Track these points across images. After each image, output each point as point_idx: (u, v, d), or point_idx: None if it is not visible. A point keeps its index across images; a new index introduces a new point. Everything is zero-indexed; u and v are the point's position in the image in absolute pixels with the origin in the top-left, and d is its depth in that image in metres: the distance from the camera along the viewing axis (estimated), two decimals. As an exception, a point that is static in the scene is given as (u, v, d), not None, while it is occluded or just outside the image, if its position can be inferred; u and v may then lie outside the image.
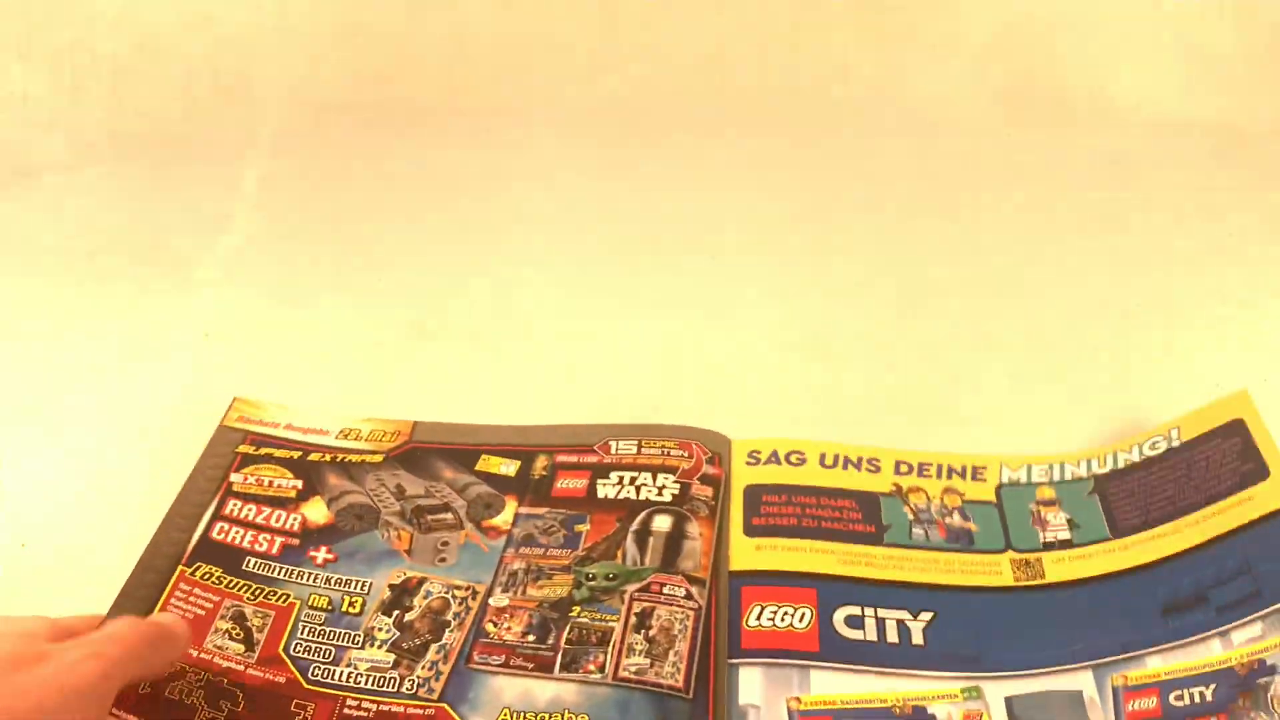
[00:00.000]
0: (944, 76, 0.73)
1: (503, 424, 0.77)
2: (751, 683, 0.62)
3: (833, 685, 0.62)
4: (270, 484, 0.71)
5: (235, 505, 0.69)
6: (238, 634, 0.62)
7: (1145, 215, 0.72)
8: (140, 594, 0.63)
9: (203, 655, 0.60)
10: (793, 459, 0.75)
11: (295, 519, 0.69)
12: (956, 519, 0.71)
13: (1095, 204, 0.80)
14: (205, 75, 0.69)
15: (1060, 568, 0.69)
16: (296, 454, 0.74)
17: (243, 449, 0.73)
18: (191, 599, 0.63)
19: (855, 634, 0.64)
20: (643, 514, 0.70)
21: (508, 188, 0.61)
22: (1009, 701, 0.61)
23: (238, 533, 0.67)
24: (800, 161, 0.76)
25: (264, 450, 0.73)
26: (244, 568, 0.65)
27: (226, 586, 0.64)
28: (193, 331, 0.69)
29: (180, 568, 0.65)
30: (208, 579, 0.64)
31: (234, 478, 0.71)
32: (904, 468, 0.74)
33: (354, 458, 0.74)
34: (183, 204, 0.72)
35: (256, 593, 0.63)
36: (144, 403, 0.67)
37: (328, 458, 0.74)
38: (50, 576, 0.59)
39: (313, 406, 0.77)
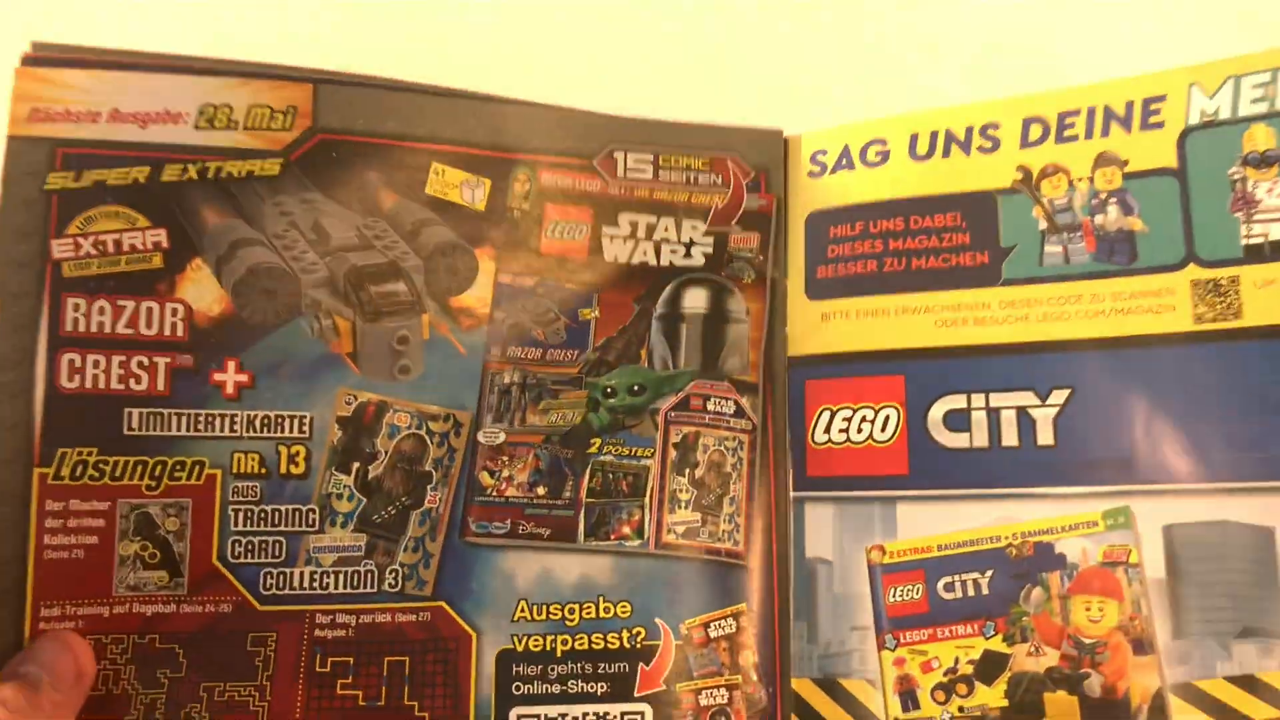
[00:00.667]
0: (944, 76, 0.62)
1: (455, 87, 0.51)
2: (821, 527, 0.49)
3: (925, 522, 0.49)
4: (119, 246, 0.47)
5: (77, 309, 0.46)
6: (151, 555, 0.45)
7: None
8: None
9: (116, 608, 0.44)
10: (872, 155, 0.53)
11: (176, 312, 0.47)
12: (1113, 213, 0.49)
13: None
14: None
15: (1269, 298, 0.45)
16: (144, 172, 0.47)
17: (55, 181, 0.46)
18: (69, 526, 0.45)
19: (957, 440, 0.49)
20: (670, 287, 0.50)
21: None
22: (1168, 534, 0.46)
23: (97, 366, 0.46)
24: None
25: (90, 177, 0.47)
26: (126, 431, 0.46)
27: (112, 476, 0.45)
28: None
29: (35, 473, 0.45)
30: (79, 475, 0.45)
31: (58, 249, 0.46)
32: (1035, 130, 0.51)
33: (235, 168, 0.49)
34: None
35: (156, 472, 0.45)
36: None
37: (194, 171, 0.48)
38: None
39: (147, 60, 0.49)
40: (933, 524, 0.48)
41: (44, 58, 0.47)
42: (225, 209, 0.48)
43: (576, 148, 0.51)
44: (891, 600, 0.48)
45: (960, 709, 0.46)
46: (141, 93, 0.47)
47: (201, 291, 0.47)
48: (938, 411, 0.49)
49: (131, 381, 0.45)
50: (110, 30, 0.56)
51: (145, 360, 0.46)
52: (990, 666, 0.46)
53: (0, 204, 0.45)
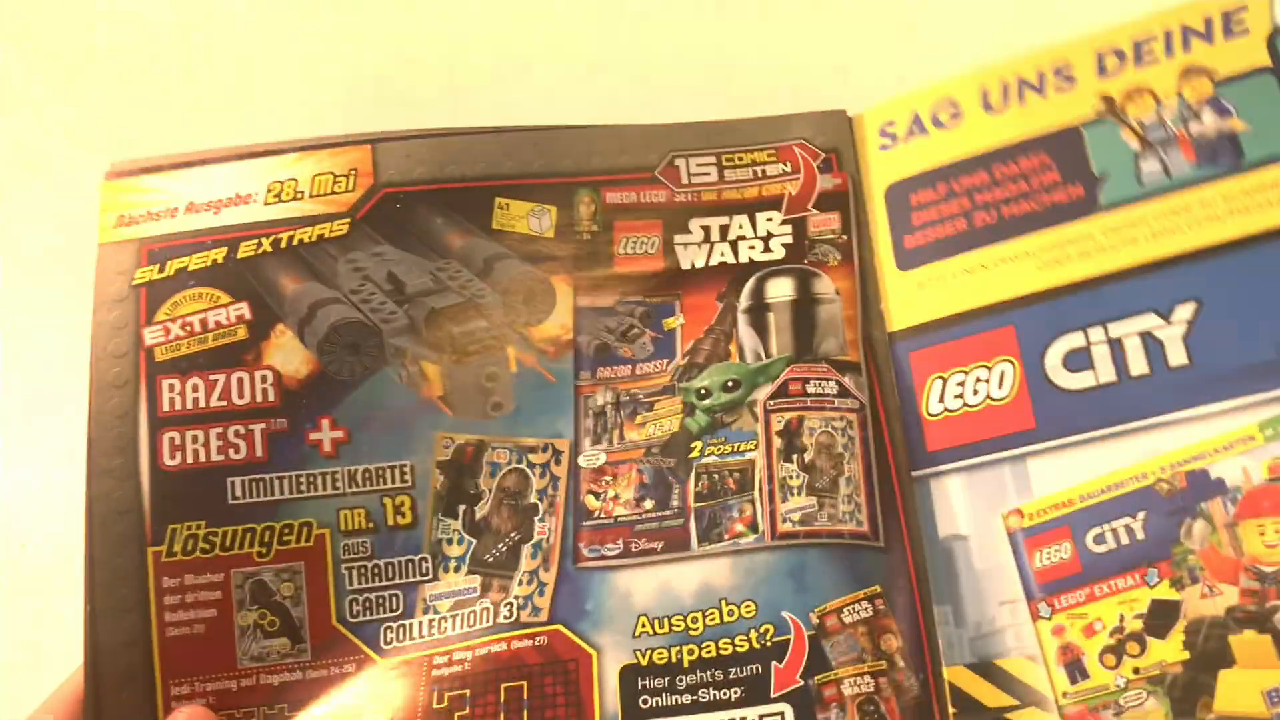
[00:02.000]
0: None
1: (508, 125, 0.51)
2: (950, 502, 0.46)
3: (1062, 475, 0.45)
4: (205, 325, 0.48)
5: (173, 389, 0.47)
6: (271, 623, 0.45)
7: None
8: (114, 637, 0.44)
9: (243, 680, 0.44)
10: (944, 117, 0.50)
11: (265, 379, 0.48)
12: (1209, 120, 0.47)
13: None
14: (205, 75, 0.65)
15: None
16: (221, 253, 0.49)
17: (142, 276, 0.48)
18: (187, 601, 0.45)
19: (1081, 380, 0.45)
20: (751, 281, 0.49)
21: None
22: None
23: (196, 440, 0.47)
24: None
25: (173, 266, 0.49)
26: (231, 500, 0.46)
27: (222, 547, 0.45)
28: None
29: (149, 552, 0.45)
30: (191, 550, 0.45)
31: (149, 336, 0.48)
32: (1111, 61, 0.49)
33: (305, 234, 0.50)
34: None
35: (265, 538, 0.45)
36: None
37: (267, 244, 0.49)
38: (50, 576, 0.56)
39: (215, 155, 0.51)
40: (1070, 475, 0.45)
41: (124, 171, 0.49)
42: (301, 274, 0.49)
43: (636, 162, 0.51)
44: (1039, 565, 0.44)
45: (1135, 671, 0.42)
46: (212, 183, 0.49)
47: (288, 355, 0.47)
48: (1055, 355, 0.46)
49: (231, 451, 0.46)
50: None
51: (241, 429, 0.46)
52: (1161, 617, 0.42)
53: (94, 305, 0.47)
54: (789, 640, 0.43)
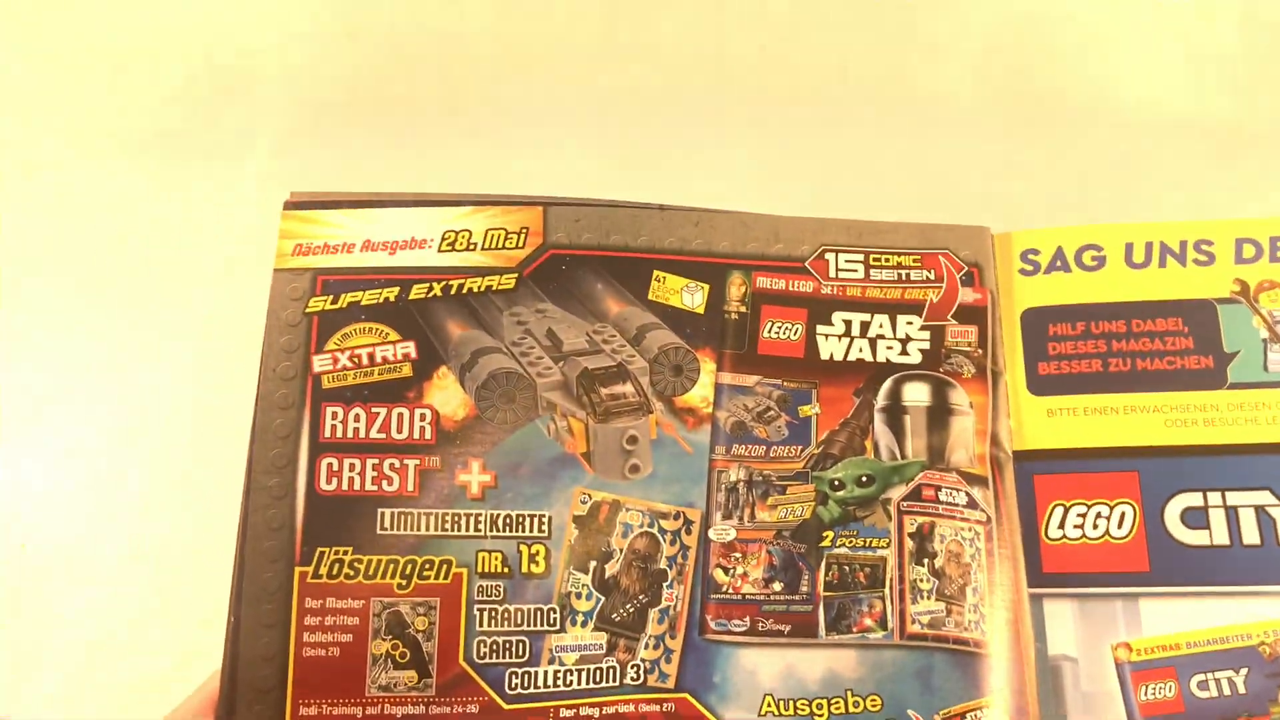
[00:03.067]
0: (944, 75, 0.66)
1: (668, 204, 0.54)
2: (1062, 625, 0.48)
3: (1172, 619, 0.48)
4: (372, 359, 0.50)
5: (335, 417, 0.49)
6: (402, 655, 0.46)
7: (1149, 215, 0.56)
8: (254, 650, 0.46)
9: (369, 709, 0.45)
10: (1087, 259, 0.53)
11: (424, 417, 0.49)
12: None
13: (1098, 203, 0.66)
14: (205, 75, 0.66)
15: None
16: (393, 292, 0.51)
17: (316, 305, 0.50)
18: (326, 624, 0.46)
19: (1197, 537, 0.48)
20: (889, 382, 0.51)
21: (508, 188, 0.53)
22: None
23: (353, 469, 0.48)
24: (801, 161, 0.68)
25: (346, 299, 0.50)
26: (379, 530, 0.47)
27: (366, 575, 0.46)
28: (193, 331, 0.65)
29: (296, 572, 0.47)
30: (336, 574, 0.46)
31: (318, 363, 0.49)
32: (1249, 249, 0.52)
33: (474, 284, 0.52)
34: (183, 204, 0.66)
35: (407, 571, 0.47)
36: (144, 403, 0.63)
37: (438, 289, 0.51)
38: (50, 576, 0.58)
39: (394, 198, 0.53)
40: (1179, 620, 0.47)
41: (303, 202, 0.51)
42: (467, 321, 0.50)
43: (788, 251, 0.53)
44: (1143, 699, 0.46)
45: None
46: (390, 224, 0.51)
47: (447, 397, 0.49)
48: (1174, 508, 0.48)
49: (384, 483, 0.47)
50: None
51: (397, 462, 0.48)
52: (1262, 768, 0.44)
53: (266, 326, 0.49)
54: None
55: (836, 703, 0.46)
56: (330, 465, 0.47)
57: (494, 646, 0.46)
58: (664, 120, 0.65)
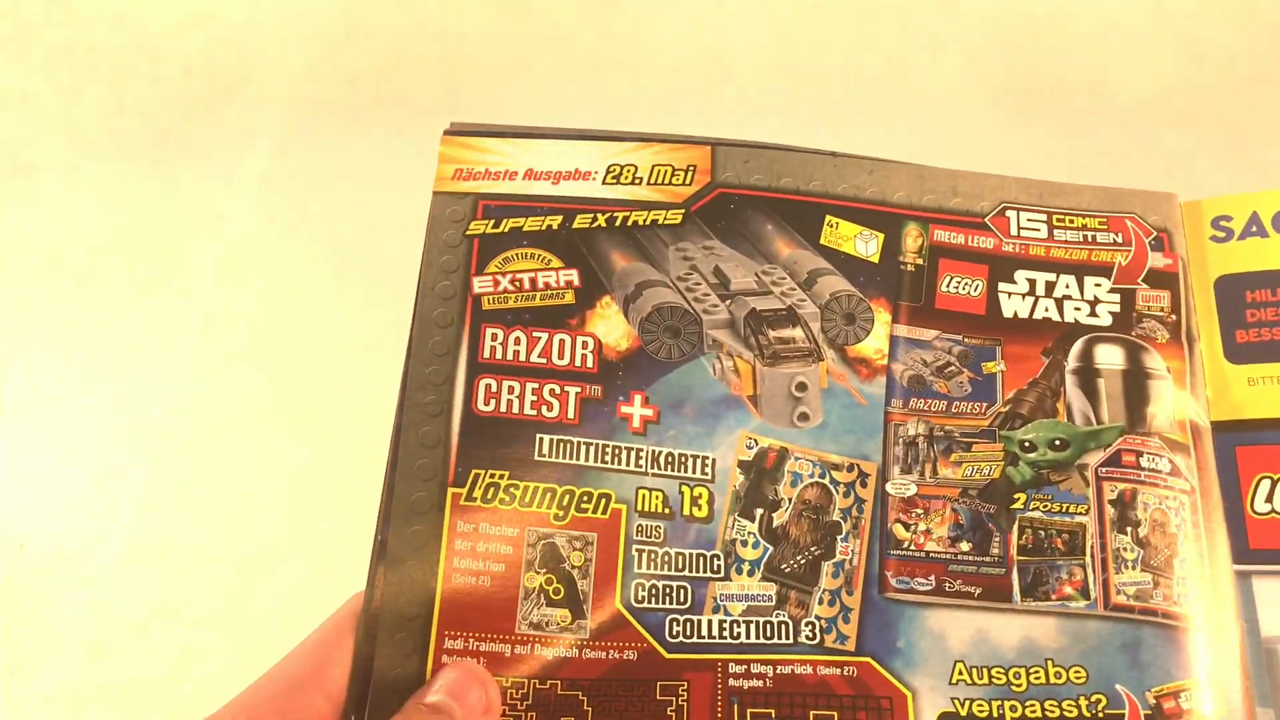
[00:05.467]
0: (944, 74, 0.65)
1: (844, 153, 0.51)
2: (1273, 605, 0.43)
3: (1402, 602, 0.42)
4: (534, 284, 0.47)
5: (495, 339, 0.45)
6: (556, 591, 0.42)
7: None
8: (401, 576, 0.42)
9: (518, 648, 0.41)
10: (1282, 226, 0.50)
11: (586, 345, 0.46)
12: None
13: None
14: (205, 75, 0.67)
15: None
16: (556, 220, 0.48)
17: (477, 228, 0.47)
18: (478, 550, 0.42)
19: None
20: (1080, 343, 0.47)
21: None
22: None
23: (512, 392, 0.45)
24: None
25: (508, 224, 0.48)
26: (537, 456, 0.43)
27: (521, 502, 0.43)
28: (192, 331, 0.65)
29: (449, 492, 0.43)
30: (490, 498, 0.42)
31: (478, 285, 0.46)
32: None
33: (640, 216, 0.49)
34: (182, 204, 0.68)
35: (564, 502, 0.43)
36: (144, 403, 0.63)
37: (602, 220, 0.48)
38: (50, 576, 0.58)
39: (556, 131, 0.51)
40: None
41: (464, 130, 0.49)
42: (631, 253, 0.47)
43: (967, 206, 0.50)
44: (1373, 691, 0.41)
45: None
46: (554, 155, 0.48)
47: (610, 327, 0.46)
48: (1393, 484, 0.44)
49: (544, 409, 0.44)
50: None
51: (557, 388, 0.44)
52: None
53: (424, 246, 0.46)
54: (1123, 715, 0.40)
55: (1036, 672, 0.41)
56: (489, 386, 0.44)
57: (653, 591, 0.42)
58: (664, 119, 0.64)
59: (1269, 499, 0.45)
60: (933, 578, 0.43)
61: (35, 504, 0.60)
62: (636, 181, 0.49)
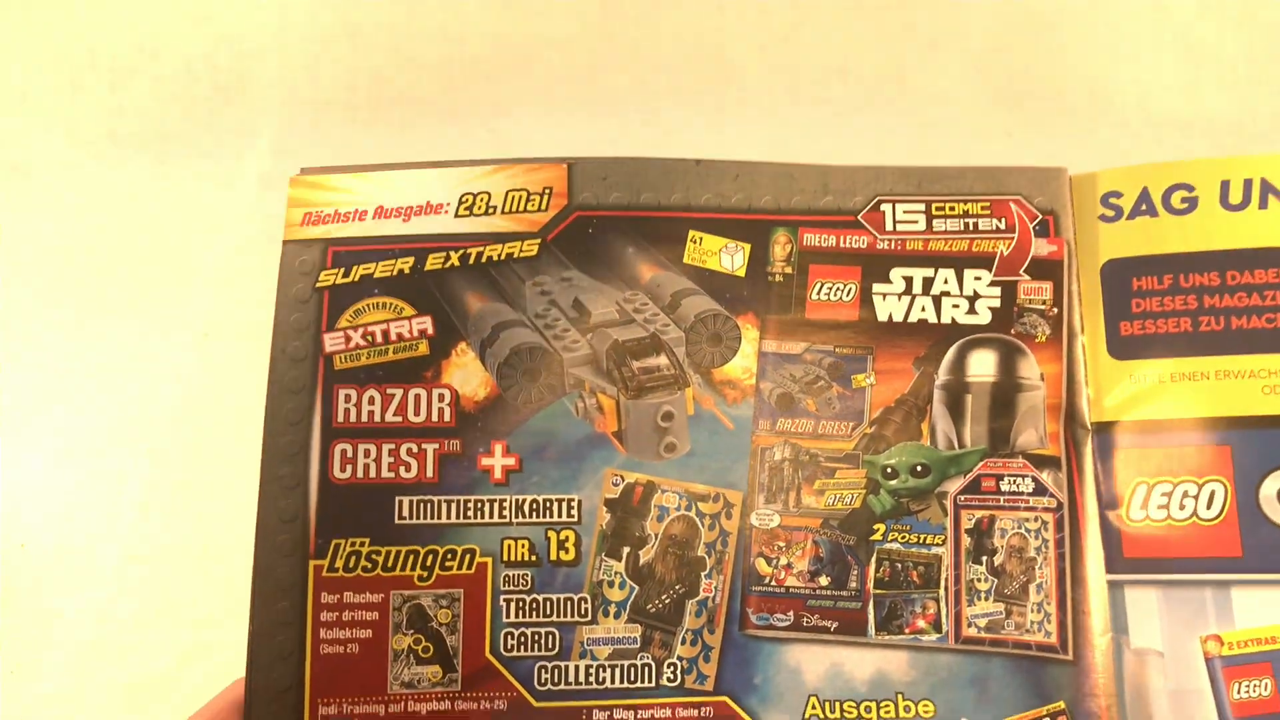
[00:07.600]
0: (944, 74, 0.62)
1: (706, 158, 0.49)
2: (1146, 614, 0.43)
3: (1268, 609, 0.43)
4: (386, 336, 0.47)
5: (349, 400, 0.46)
6: (425, 649, 0.44)
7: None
8: (271, 650, 0.44)
9: (391, 706, 0.43)
10: (1177, 201, 0.47)
11: (443, 398, 0.46)
12: None
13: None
14: (205, 75, 0.65)
15: None
16: (408, 263, 0.47)
17: (327, 278, 0.47)
18: (344, 619, 0.44)
19: (1297, 522, 0.43)
20: (952, 350, 0.46)
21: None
22: None
23: (368, 455, 0.46)
24: (801, 159, 0.58)
25: (358, 271, 0.47)
26: (397, 520, 0.45)
27: (384, 567, 0.44)
28: (193, 330, 0.64)
29: (310, 565, 0.44)
30: (353, 567, 0.44)
31: (329, 343, 0.46)
32: None
33: (494, 251, 0.48)
34: (182, 204, 0.66)
35: (428, 562, 0.44)
36: (144, 403, 0.62)
37: (455, 258, 0.47)
38: (50, 577, 0.58)
39: (404, 161, 0.50)
40: (1276, 611, 0.42)
41: (315, 170, 0.47)
42: (487, 293, 0.47)
43: (839, 204, 0.48)
44: (1236, 697, 0.42)
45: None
46: (404, 188, 0.47)
47: (467, 376, 0.46)
48: (1271, 487, 0.43)
49: (402, 469, 0.45)
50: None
51: (414, 447, 0.45)
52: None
53: (276, 303, 0.46)
54: None
55: (886, 706, 0.43)
56: (344, 452, 0.44)
57: (522, 639, 0.44)
58: (664, 120, 0.60)
59: (1144, 505, 0.44)
60: (792, 613, 0.44)
61: (35, 504, 0.61)
62: (490, 211, 0.47)
